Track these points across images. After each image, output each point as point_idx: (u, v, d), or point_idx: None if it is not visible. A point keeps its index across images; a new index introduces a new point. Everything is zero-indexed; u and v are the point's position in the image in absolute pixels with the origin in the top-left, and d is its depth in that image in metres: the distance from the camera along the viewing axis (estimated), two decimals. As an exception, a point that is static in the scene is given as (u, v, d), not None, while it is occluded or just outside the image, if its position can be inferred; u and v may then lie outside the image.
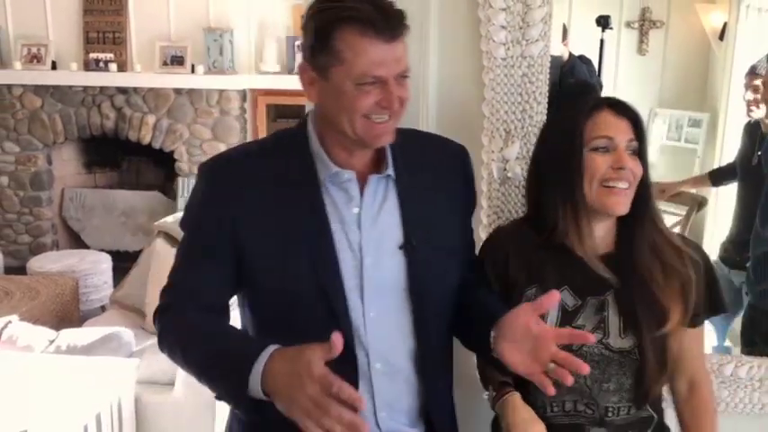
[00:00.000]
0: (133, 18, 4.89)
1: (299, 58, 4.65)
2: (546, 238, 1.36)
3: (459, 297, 1.37)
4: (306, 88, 1.26)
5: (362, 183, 1.29)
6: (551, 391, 1.15)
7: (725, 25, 1.92)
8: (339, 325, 1.22)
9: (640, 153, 1.33)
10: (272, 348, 1.11)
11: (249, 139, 4.95)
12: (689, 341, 1.39)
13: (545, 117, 1.57)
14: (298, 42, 4.66)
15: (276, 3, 4.79)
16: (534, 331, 1.17)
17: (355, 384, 1.26)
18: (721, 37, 1.95)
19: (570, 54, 1.91)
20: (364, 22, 1.15)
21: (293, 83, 4.43)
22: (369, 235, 1.27)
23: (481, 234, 1.64)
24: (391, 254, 1.28)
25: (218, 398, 1.20)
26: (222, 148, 4.91)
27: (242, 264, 1.27)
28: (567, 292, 1.35)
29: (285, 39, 4.76)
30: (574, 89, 1.87)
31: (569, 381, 1.14)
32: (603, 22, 1.95)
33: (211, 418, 2.32)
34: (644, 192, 1.34)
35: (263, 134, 4.88)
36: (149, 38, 4.86)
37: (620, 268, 1.35)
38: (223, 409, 2.32)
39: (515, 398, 1.33)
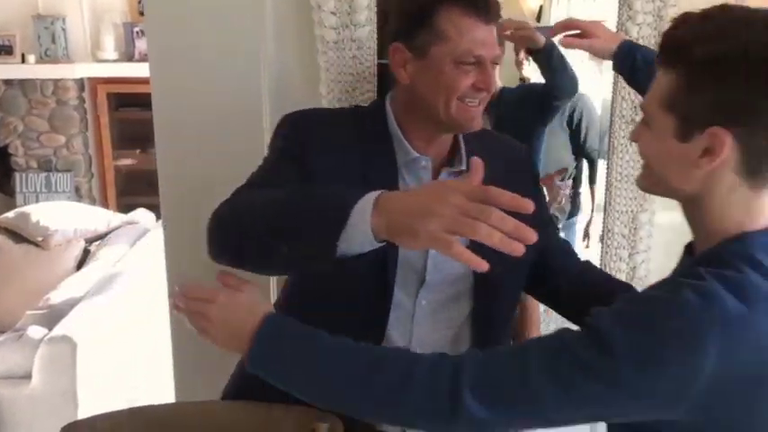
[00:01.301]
0: (-49, 5, 4.58)
1: (138, 44, 4.57)
2: None
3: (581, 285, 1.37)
4: (396, 70, 1.25)
5: (434, 173, 1.29)
6: None
7: (541, 8, 2.15)
8: (386, 303, 1.22)
9: None
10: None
11: (91, 129, 4.80)
12: None
13: (375, 95, 1.74)
14: (137, 29, 4.57)
15: (108, -12, 4.67)
16: None
17: None
18: (539, 18, 2.18)
19: None
20: (467, 2, 1.19)
21: (134, 70, 4.45)
22: None
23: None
24: None
25: (293, 250, 0.99)
26: (62, 139, 4.73)
27: None
28: None
29: (122, 25, 4.65)
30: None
31: None
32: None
33: (73, 407, 2.33)
34: None
35: (104, 124, 4.75)
36: (-29, 26, 4.58)
37: None
38: (87, 395, 2.33)
39: None
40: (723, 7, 0.92)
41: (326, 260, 0.95)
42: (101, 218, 3.48)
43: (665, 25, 1.73)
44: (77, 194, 4.78)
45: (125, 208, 4.08)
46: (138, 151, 4.81)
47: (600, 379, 0.87)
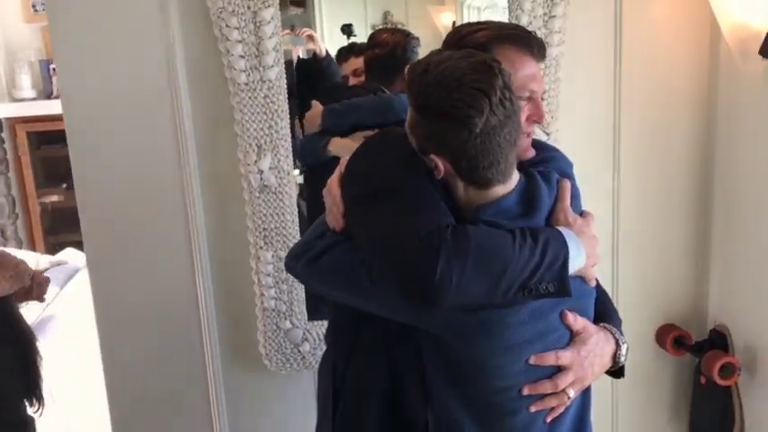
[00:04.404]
0: None
1: (56, 81, 4.50)
2: None
3: None
4: None
5: None
6: None
7: (454, 23, 2.16)
8: None
9: None
10: None
11: (13, 170, 4.70)
12: None
13: (288, 131, 1.81)
14: (53, 66, 4.52)
15: (21, 26, 4.59)
16: None
17: None
18: (452, 34, 2.27)
19: (326, 51, 2.13)
20: (520, 41, 1.24)
21: (54, 107, 4.37)
22: None
23: (249, 238, 1.86)
24: None
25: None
26: (-18, 183, 4.63)
27: None
28: None
29: (38, 62, 4.58)
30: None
31: None
32: (347, 30, 2.17)
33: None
34: None
35: (26, 165, 4.66)
36: None
37: None
38: None
39: None
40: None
41: None
42: (28, 261, 3.41)
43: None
44: (3, 237, 4.67)
45: (53, 247, 3.99)
46: (64, 186, 4.73)
47: None
